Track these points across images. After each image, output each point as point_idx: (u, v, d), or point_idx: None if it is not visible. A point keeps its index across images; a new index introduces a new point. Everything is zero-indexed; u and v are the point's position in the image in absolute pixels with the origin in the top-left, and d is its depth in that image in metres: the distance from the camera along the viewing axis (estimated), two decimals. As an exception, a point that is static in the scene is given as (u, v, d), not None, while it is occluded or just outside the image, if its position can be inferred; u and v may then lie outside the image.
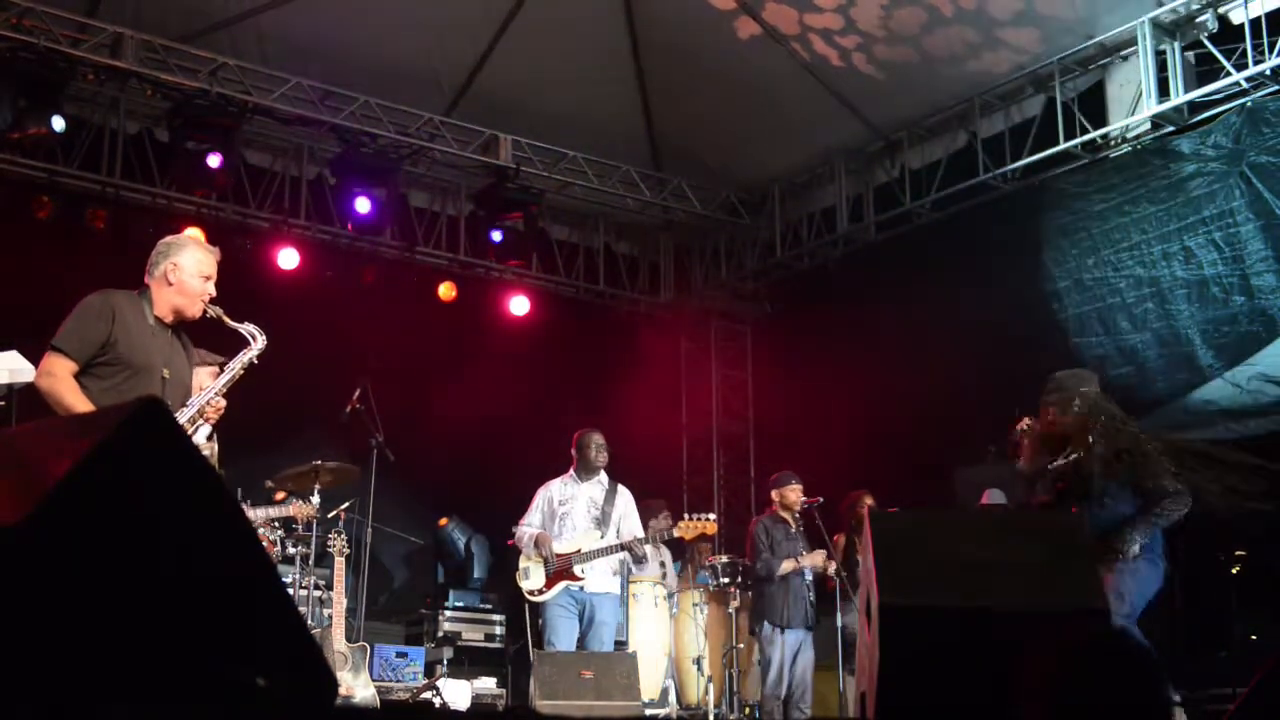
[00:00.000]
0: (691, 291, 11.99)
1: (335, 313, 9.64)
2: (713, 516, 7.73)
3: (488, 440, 10.17)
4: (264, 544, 6.76)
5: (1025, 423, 5.87)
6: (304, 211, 9.95)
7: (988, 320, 8.95)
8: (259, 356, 4.63)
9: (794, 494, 8.18)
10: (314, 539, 7.54)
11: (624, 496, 7.57)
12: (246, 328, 4.62)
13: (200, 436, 4.56)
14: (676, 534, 7.57)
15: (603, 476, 7.57)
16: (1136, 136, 8.45)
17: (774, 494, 8.32)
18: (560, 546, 7.35)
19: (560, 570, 7.30)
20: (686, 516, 7.66)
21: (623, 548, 7.31)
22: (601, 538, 7.36)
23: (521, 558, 7.46)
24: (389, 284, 10.28)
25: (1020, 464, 5.85)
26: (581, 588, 7.27)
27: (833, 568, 8.03)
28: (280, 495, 7.48)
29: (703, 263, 11.95)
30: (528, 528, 7.50)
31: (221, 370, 4.68)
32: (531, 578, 7.36)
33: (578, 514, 7.44)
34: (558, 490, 7.55)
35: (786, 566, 7.98)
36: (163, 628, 1.70)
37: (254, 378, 4.85)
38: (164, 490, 1.73)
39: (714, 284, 11.82)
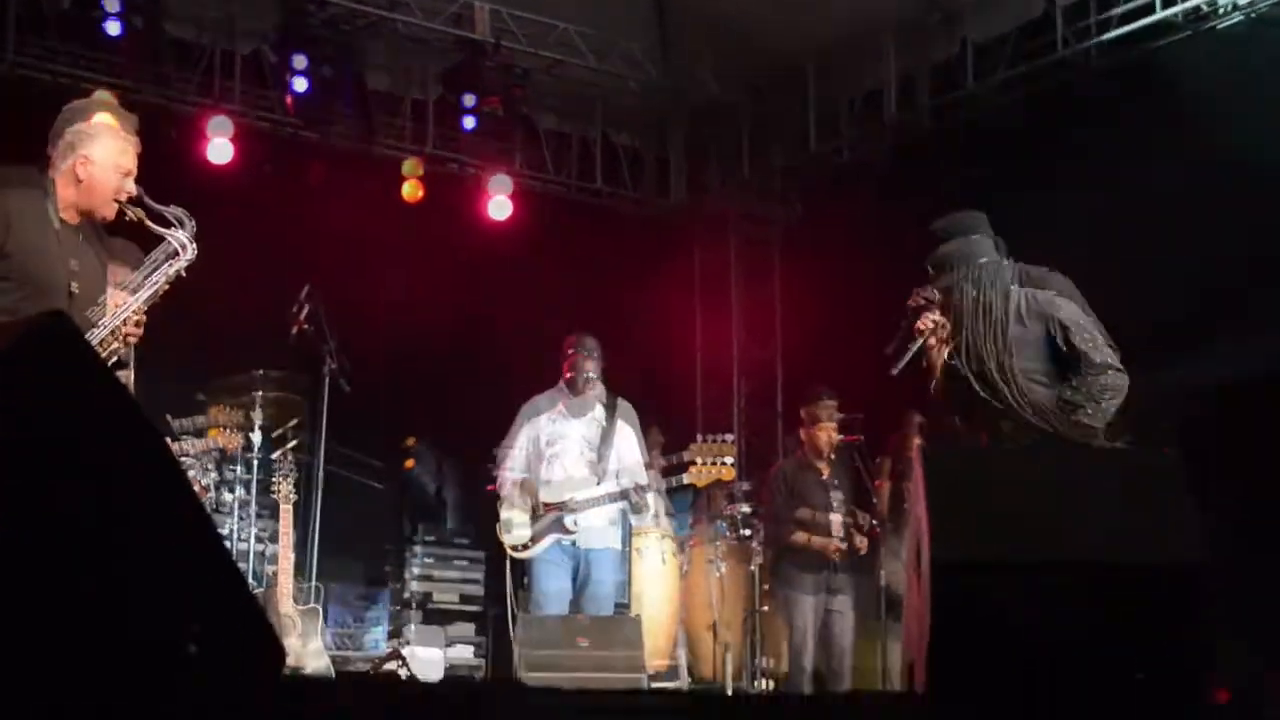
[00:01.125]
0: (707, 192, 11.92)
1: (278, 217, 9.58)
2: (730, 460, 7.50)
3: (463, 372, 10.16)
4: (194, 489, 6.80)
5: (928, 320, 5.13)
6: (238, 94, 9.87)
7: (1075, 228, 8.86)
8: (188, 269, 4.59)
9: (825, 414, 8.05)
10: (254, 483, 7.58)
11: (624, 430, 7.52)
12: (174, 235, 4.57)
13: (114, 360, 4.54)
14: (688, 480, 7.57)
15: (598, 401, 7.54)
16: (1251, 3, 8.34)
17: (803, 413, 8.21)
18: (549, 494, 7.38)
19: (549, 522, 7.33)
20: (700, 439, 7.56)
21: (623, 495, 7.33)
22: (598, 483, 7.38)
23: (503, 506, 7.48)
24: (342, 182, 10.22)
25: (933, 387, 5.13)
26: (574, 542, 7.31)
27: (862, 541, 7.99)
28: (214, 431, 7.51)
29: (720, 157, 11.86)
30: (510, 473, 7.52)
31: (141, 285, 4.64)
32: (515, 531, 7.40)
33: (569, 455, 7.45)
34: (546, 427, 7.53)
35: (799, 538, 7.92)
36: (73, 583, 1.70)
37: (182, 298, 4.82)
38: (71, 422, 1.72)
39: (734, 183, 11.74)
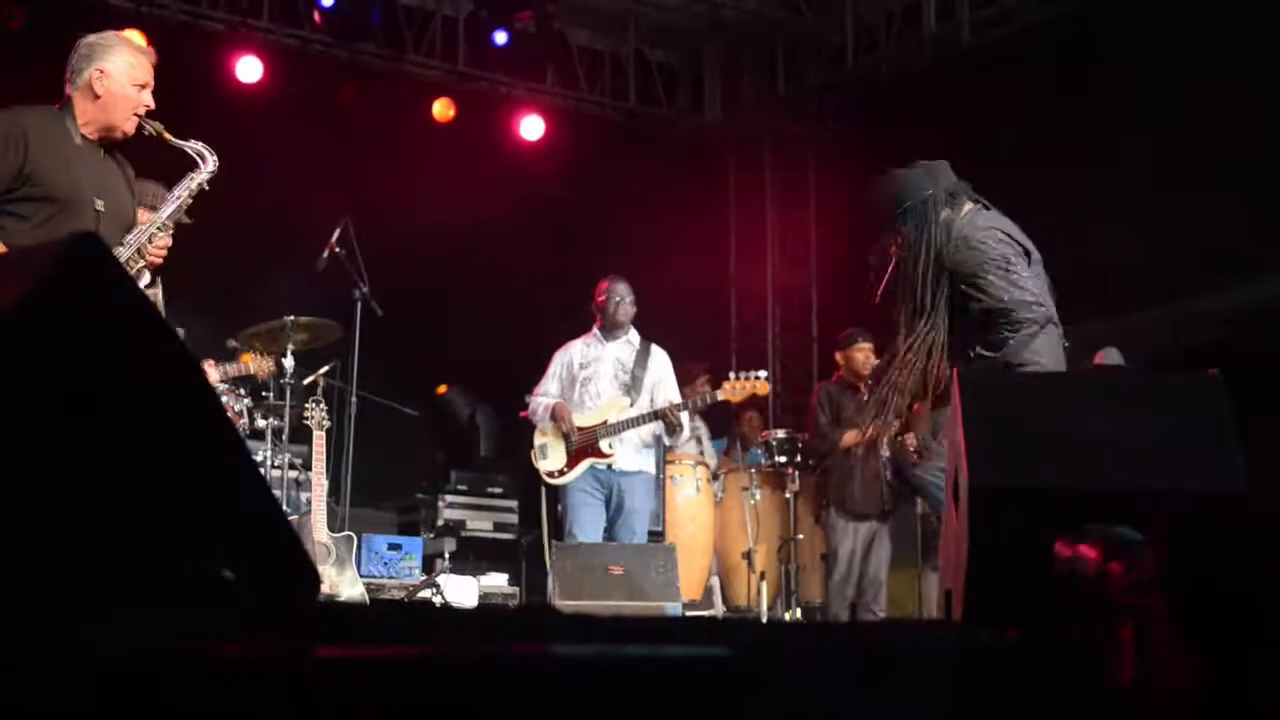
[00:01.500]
0: (743, 110, 11.84)
1: (308, 137, 9.58)
2: (764, 374, 7.66)
3: (495, 292, 10.20)
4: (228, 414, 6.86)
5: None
6: (267, 11, 9.84)
7: (1133, 150, 8.75)
8: (210, 181, 4.59)
9: (862, 355, 8.15)
10: (288, 410, 7.63)
11: (658, 358, 7.62)
12: (193, 145, 4.57)
13: (141, 283, 4.56)
14: (721, 397, 7.61)
15: (632, 335, 7.61)
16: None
17: (839, 357, 8.33)
18: (583, 418, 7.42)
19: (583, 446, 7.38)
20: (733, 377, 7.66)
21: (657, 415, 7.36)
22: (631, 406, 7.42)
23: (537, 433, 7.53)
24: (372, 101, 10.20)
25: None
26: (609, 466, 7.36)
27: (912, 441, 8.05)
28: (246, 357, 7.56)
29: (756, 74, 11.76)
30: (543, 398, 7.56)
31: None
32: (550, 456, 7.45)
33: (603, 379, 7.50)
34: (579, 352, 7.59)
35: (849, 438, 7.97)
36: (109, 507, 1.72)
37: (211, 218, 4.84)
38: (106, 345, 1.74)
39: (770, 100, 11.65)
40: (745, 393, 7.60)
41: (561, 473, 7.41)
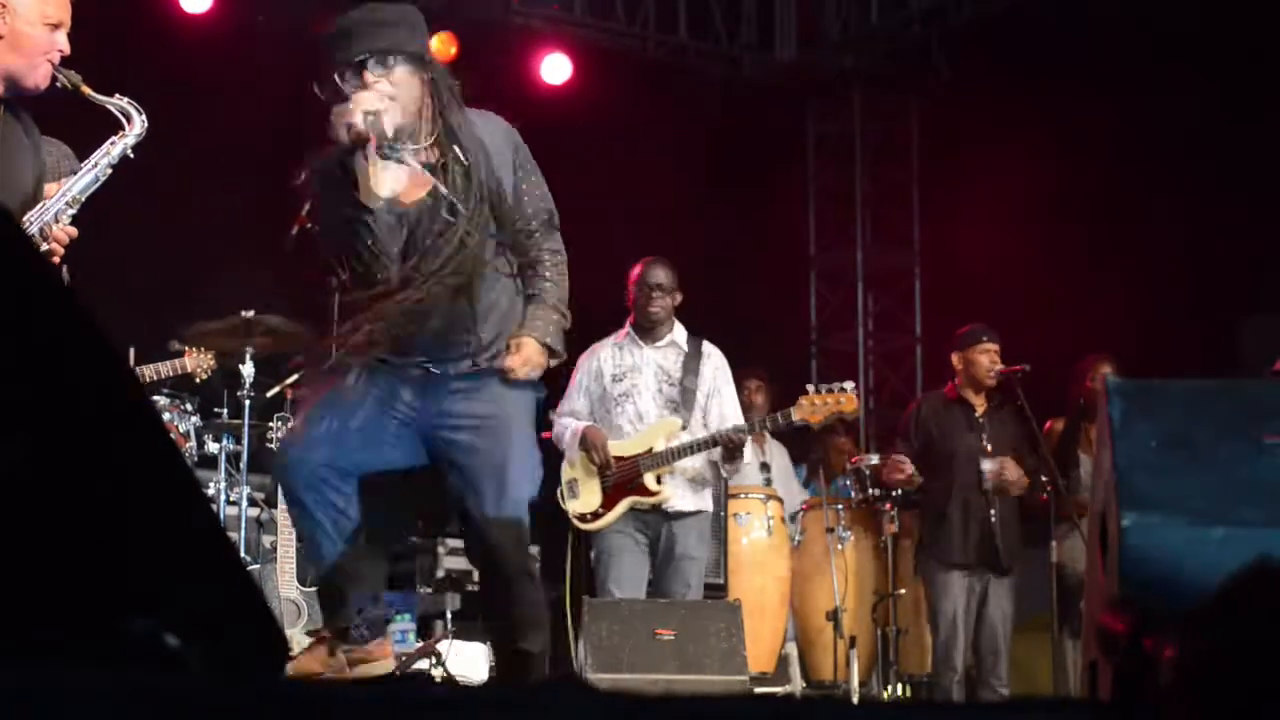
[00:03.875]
0: (823, 45, 11.83)
1: (274, 82, 9.60)
2: (850, 386, 7.53)
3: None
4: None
5: None
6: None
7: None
8: (136, 147, 4.59)
9: (986, 359, 8.12)
10: (246, 430, 7.65)
11: (712, 361, 7.56)
12: (117, 102, 4.58)
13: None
14: (797, 417, 7.53)
15: (678, 333, 7.56)
16: None
17: (956, 359, 8.30)
18: (622, 445, 7.40)
19: (622, 482, 7.35)
20: (811, 390, 7.57)
21: (716, 442, 7.31)
22: (684, 428, 7.38)
23: (564, 465, 7.52)
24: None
25: None
26: (656, 506, 7.33)
27: (1020, 483, 8.00)
28: (189, 354, 7.57)
29: (842, 1, 11.75)
30: (569, 419, 7.55)
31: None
32: (581, 495, 7.44)
33: (643, 395, 7.47)
34: (609, 359, 7.56)
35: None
36: (15, 554, 1.71)
37: (148, 189, 4.84)
38: (6, 339, 1.73)
39: (859, 34, 11.63)
40: (828, 411, 7.49)
41: (596, 515, 7.40)
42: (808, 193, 12.28)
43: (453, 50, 10.52)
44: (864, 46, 11.71)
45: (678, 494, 7.37)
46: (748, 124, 11.53)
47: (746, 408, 8.74)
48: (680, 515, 7.37)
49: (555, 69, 10.84)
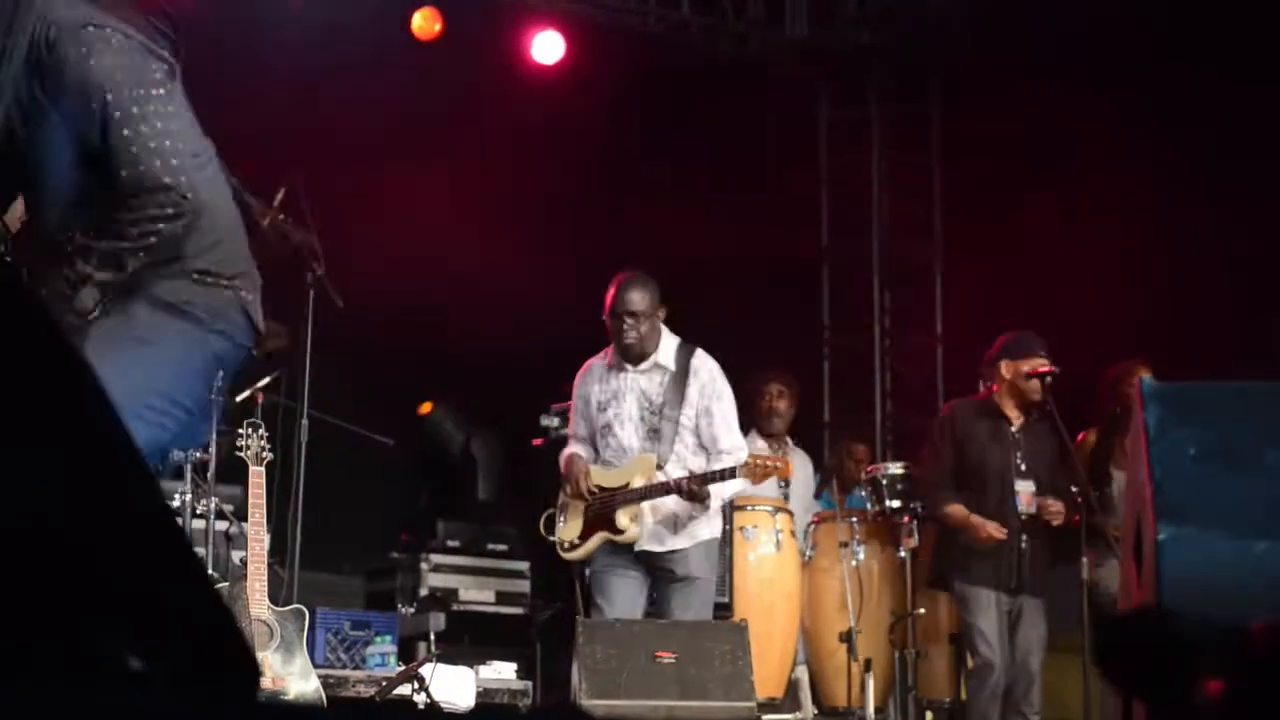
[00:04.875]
0: (838, 21, 11.83)
1: (247, 59, 9.62)
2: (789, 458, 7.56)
3: (497, 276, 10.21)
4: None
5: None
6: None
7: None
8: None
9: (1031, 369, 8.07)
10: (214, 437, 7.65)
11: (699, 379, 7.50)
12: None
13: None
14: (738, 475, 7.35)
15: (664, 350, 7.52)
16: None
17: (1005, 368, 8.20)
18: (605, 475, 7.44)
19: (601, 514, 7.39)
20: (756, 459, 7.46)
21: (674, 488, 7.26)
22: (660, 466, 7.38)
23: (561, 492, 7.59)
24: (333, 10, 10.23)
25: None
26: (633, 546, 7.36)
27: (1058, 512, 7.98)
28: None
29: (856, -28, 11.78)
30: (572, 442, 7.64)
31: None
32: (568, 522, 7.53)
33: (625, 424, 7.49)
34: (596, 384, 7.58)
35: (954, 513, 8.04)
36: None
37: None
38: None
39: (876, 8, 11.64)
40: (764, 475, 7.43)
41: (574, 545, 7.46)
42: (819, 179, 12.26)
43: (436, 28, 10.53)
44: (882, 22, 11.70)
45: (653, 535, 7.39)
46: (755, 106, 11.53)
47: (768, 414, 8.78)
48: (661, 554, 7.40)
49: (547, 47, 10.85)
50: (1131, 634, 2.40)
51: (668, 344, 7.55)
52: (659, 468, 7.37)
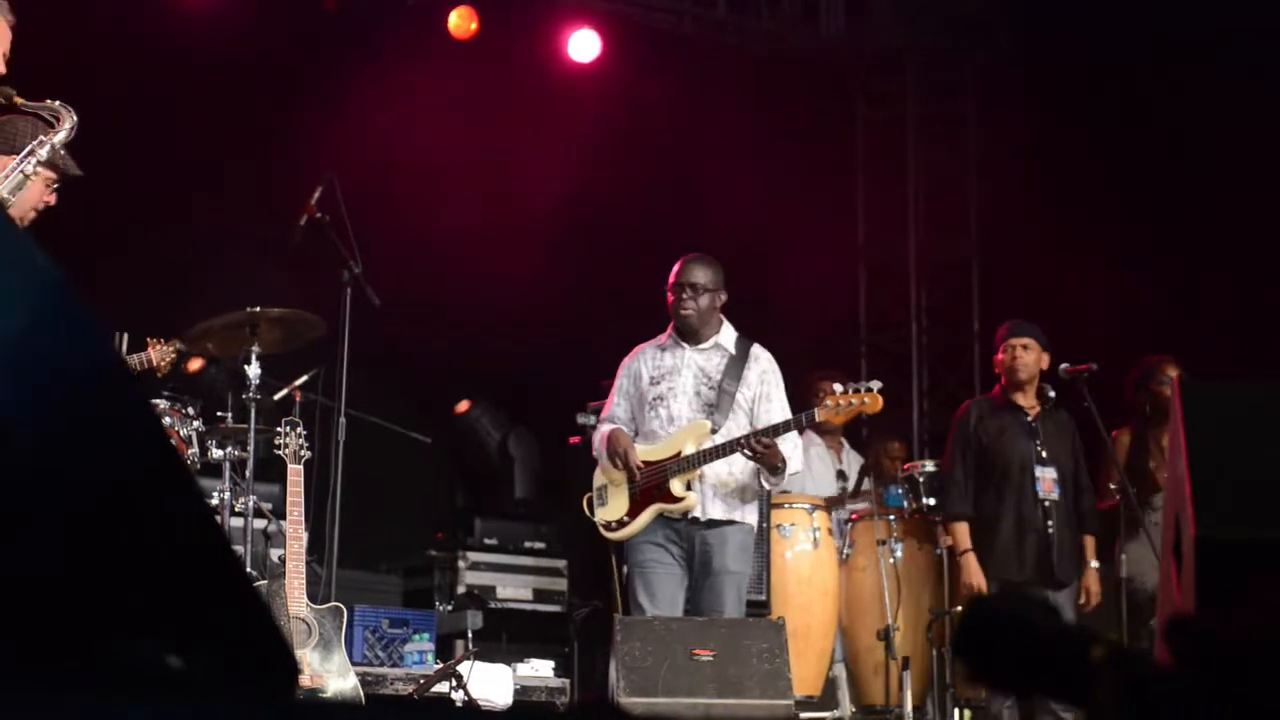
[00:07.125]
0: (873, 18, 11.81)
1: (280, 64, 9.65)
2: (877, 385, 7.40)
3: (534, 274, 10.22)
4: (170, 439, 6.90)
5: None
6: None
7: None
8: (66, 143, 4.91)
9: (1007, 355, 8.15)
10: (253, 435, 7.67)
11: (759, 365, 7.55)
12: (50, 105, 4.89)
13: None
14: (820, 418, 7.46)
15: (725, 334, 7.55)
16: None
17: (996, 360, 8.35)
18: (651, 450, 7.39)
19: (649, 488, 7.35)
20: (838, 390, 7.44)
21: (741, 445, 7.26)
22: (714, 431, 7.36)
23: (597, 472, 7.54)
24: (366, 10, 10.25)
25: None
26: (686, 514, 7.32)
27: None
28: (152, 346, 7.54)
29: (894, -31, 11.76)
30: (607, 424, 7.57)
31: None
32: (610, 502, 7.44)
33: (678, 398, 7.46)
34: (649, 362, 7.56)
35: (956, 534, 8.12)
36: (11, 572, 1.72)
37: (150, 175, 4.90)
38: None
39: (911, 5, 11.61)
40: (850, 413, 7.42)
41: (621, 523, 7.40)
42: (856, 178, 12.25)
43: (473, 26, 10.54)
44: (918, 19, 11.67)
45: (710, 502, 7.36)
46: (791, 104, 11.52)
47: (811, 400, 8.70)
48: (713, 524, 7.35)
49: (583, 46, 10.84)
50: (985, 624, 2.37)
51: (728, 331, 7.58)
52: (713, 433, 7.33)
